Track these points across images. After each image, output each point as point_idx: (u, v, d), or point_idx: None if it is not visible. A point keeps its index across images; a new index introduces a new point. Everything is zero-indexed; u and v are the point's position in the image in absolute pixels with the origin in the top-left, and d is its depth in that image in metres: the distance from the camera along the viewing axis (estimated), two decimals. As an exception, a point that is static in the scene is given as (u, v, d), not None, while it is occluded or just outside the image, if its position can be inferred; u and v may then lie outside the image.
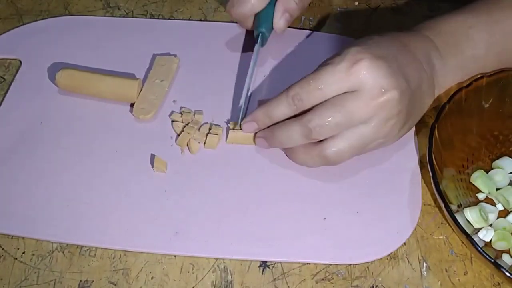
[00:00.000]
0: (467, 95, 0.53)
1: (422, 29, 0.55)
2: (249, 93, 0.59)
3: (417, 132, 0.58)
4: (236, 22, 0.64)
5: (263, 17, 0.60)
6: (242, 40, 0.65)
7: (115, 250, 0.50)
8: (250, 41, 0.64)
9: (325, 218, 0.51)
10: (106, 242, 0.50)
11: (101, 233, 0.50)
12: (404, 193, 0.53)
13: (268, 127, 0.53)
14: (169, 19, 0.67)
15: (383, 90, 0.47)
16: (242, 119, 0.55)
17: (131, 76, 0.61)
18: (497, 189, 0.53)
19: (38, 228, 0.50)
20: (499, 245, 0.50)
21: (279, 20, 0.60)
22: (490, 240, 0.50)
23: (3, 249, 0.50)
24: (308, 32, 0.66)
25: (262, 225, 0.51)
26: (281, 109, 0.51)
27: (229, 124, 0.57)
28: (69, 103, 0.59)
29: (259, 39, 0.60)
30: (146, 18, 0.68)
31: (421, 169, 0.55)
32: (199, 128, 0.57)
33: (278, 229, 0.51)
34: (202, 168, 0.54)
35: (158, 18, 0.68)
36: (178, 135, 0.56)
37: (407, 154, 0.56)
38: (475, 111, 0.55)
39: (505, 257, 0.50)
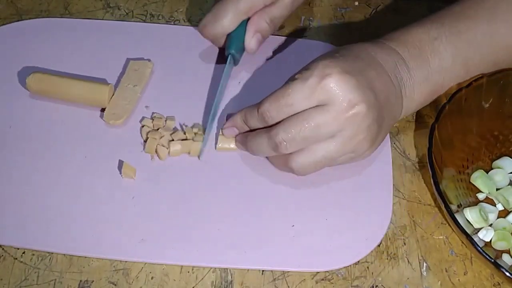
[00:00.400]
0: (467, 95, 0.53)
1: (389, 40, 0.54)
2: (217, 112, 0.58)
3: (416, 132, 0.58)
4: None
5: (234, 38, 0.59)
6: (217, 47, 0.64)
7: (79, 256, 0.49)
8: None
9: (293, 225, 0.51)
10: (70, 249, 0.49)
11: (66, 239, 0.50)
12: (374, 200, 0.53)
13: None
14: (169, 19, 0.67)
15: (351, 104, 0.47)
16: (207, 133, 0.56)
17: (103, 81, 0.60)
18: (497, 189, 0.53)
19: (3, 234, 0.50)
20: (499, 245, 0.50)
21: (250, 41, 0.60)
22: (490, 240, 0.50)
23: (3, 249, 0.50)
24: (291, 39, 0.65)
25: (229, 232, 0.51)
26: (254, 121, 0.52)
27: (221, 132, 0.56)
28: (40, 107, 0.58)
29: (228, 60, 0.60)
30: (145, 18, 0.68)
31: (421, 169, 0.55)
32: (171, 134, 0.56)
33: (245, 236, 0.50)
34: (171, 175, 0.54)
35: (158, 18, 0.68)
36: (145, 141, 0.55)
37: (379, 162, 0.55)
38: (475, 111, 0.55)
39: (505, 257, 0.50)
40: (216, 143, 0.56)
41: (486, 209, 0.52)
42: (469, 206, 0.52)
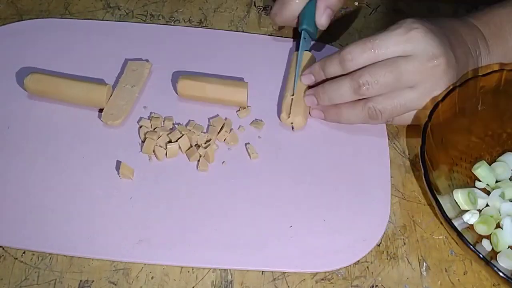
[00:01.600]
0: (461, 94, 0.54)
1: (472, 17, 0.58)
2: (295, 88, 0.58)
3: (409, 132, 0.58)
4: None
5: (306, 14, 0.61)
6: (215, 46, 0.64)
7: (78, 257, 0.49)
8: (222, 50, 0.64)
9: (291, 226, 0.51)
10: (68, 249, 0.49)
11: (64, 239, 0.50)
12: (372, 201, 0.53)
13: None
14: (169, 19, 0.67)
15: (433, 57, 0.51)
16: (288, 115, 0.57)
17: (101, 82, 0.60)
18: (496, 181, 0.54)
19: (1, 234, 0.50)
20: (480, 229, 0.51)
21: (322, 17, 0.61)
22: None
23: (3, 249, 0.50)
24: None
25: (227, 232, 0.51)
26: (333, 65, 0.54)
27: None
28: (38, 108, 0.58)
29: (302, 36, 0.61)
30: (145, 18, 0.68)
31: (420, 169, 0.55)
32: (169, 135, 0.56)
33: (243, 236, 0.50)
34: (169, 176, 0.54)
35: (158, 18, 0.68)
36: (143, 142, 0.56)
37: (377, 163, 0.56)
38: (469, 110, 0.55)
39: (485, 242, 0.50)
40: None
41: (476, 194, 0.52)
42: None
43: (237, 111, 0.58)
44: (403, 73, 0.51)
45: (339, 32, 0.67)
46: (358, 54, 0.52)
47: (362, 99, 0.54)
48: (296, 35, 0.65)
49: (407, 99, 0.53)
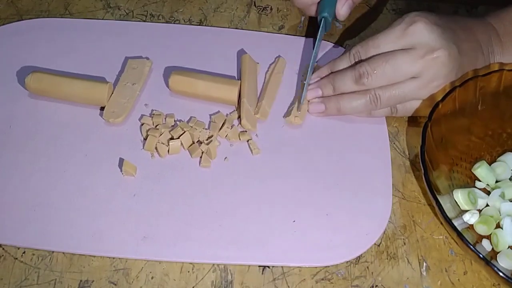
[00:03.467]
0: (461, 94, 0.54)
1: (488, 16, 0.58)
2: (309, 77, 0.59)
3: (409, 132, 0.58)
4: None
5: (326, 3, 0.61)
6: (216, 44, 0.64)
7: (79, 256, 0.49)
8: (223, 48, 0.64)
9: (294, 221, 0.51)
10: (72, 247, 0.49)
11: (68, 237, 0.50)
12: (374, 196, 0.53)
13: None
14: (169, 19, 0.67)
15: (432, 49, 0.52)
16: (303, 99, 0.58)
17: (102, 80, 0.60)
18: (496, 181, 0.54)
19: (4, 233, 0.50)
20: (480, 229, 0.51)
21: (342, 7, 0.62)
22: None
23: (3, 249, 0.50)
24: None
25: (231, 228, 0.51)
26: (343, 64, 0.57)
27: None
28: (39, 106, 0.58)
29: (321, 24, 0.61)
30: (145, 18, 0.68)
31: (420, 169, 0.55)
32: (170, 131, 0.56)
33: (247, 232, 0.51)
34: (172, 172, 0.54)
35: (158, 18, 0.68)
36: (145, 139, 0.56)
37: (379, 158, 0.56)
38: (469, 110, 0.55)
39: (485, 242, 0.50)
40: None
41: (476, 193, 0.52)
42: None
43: (230, 113, 0.59)
44: (401, 64, 0.52)
45: (339, 32, 0.67)
46: (364, 53, 0.55)
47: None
48: (311, 24, 0.66)
49: (407, 89, 0.53)
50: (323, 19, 0.61)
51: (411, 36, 0.53)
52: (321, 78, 0.59)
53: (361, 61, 0.55)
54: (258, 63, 0.62)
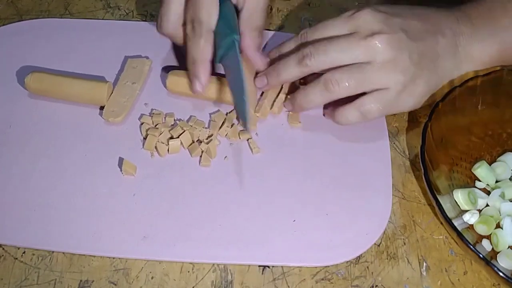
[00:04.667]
0: (461, 94, 0.54)
1: (461, 5, 0.57)
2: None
3: (409, 132, 0.58)
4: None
5: (225, 24, 0.55)
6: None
7: (79, 256, 0.49)
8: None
9: (294, 220, 0.51)
10: (72, 247, 0.49)
11: (68, 237, 0.50)
12: (374, 195, 0.53)
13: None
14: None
15: (373, 32, 0.52)
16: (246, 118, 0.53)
17: (102, 79, 0.60)
18: (496, 181, 0.54)
19: (4, 233, 0.50)
20: (480, 229, 0.51)
21: (259, 61, 0.57)
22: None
23: (3, 249, 0.50)
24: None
25: (231, 227, 0.51)
26: (290, 45, 0.56)
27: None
28: (39, 106, 0.58)
29: (237, 46, 0.55)
30: (145, 18, 0.68)
31: (420, 169, 0.55)
32: (170, 131, 0.56)
33: (247, 231, 0.51)
34: (172, 172, 0.54)
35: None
36: (145, 138, 0.56)
37: (379, 158, 0.56)
38: (469, 110, 0.55)
39: (485, 242, 0.50)
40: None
41: (476, 193, 0.52)
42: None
43: (230, 111, 0.58)
44: (343, 45, 0.52)
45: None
46: (310, 35, 0.54)
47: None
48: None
49: (363, 71, 0.52)
50: (235, 41, 0.55)
51: (355, 20, 0.53)
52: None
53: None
54: None
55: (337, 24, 0.54)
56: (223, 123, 0.57)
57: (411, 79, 0.52)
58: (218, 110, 0.58)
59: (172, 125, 0.57)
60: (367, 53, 0.52)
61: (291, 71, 0.54)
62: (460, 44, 0.55)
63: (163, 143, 0.55)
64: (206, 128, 0.57)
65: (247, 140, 0.56)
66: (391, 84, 0.52)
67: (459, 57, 0.55)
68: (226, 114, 0.58)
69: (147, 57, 0.62)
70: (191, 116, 0.58)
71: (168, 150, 0.55)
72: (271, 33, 0.66)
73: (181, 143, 0.55)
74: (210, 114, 0.58)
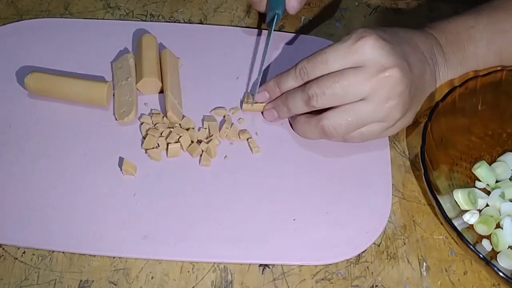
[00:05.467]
0: (461, 94, 0.54)
1: (429, 27, 0.57)
2: (261, 72, 0.60)
3: (409, 132, 0.58)
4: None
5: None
6: (214, 42, 0.64)
7: (79, 256, 0.49)
8: (223, 46, 0.64)
9: (294, 219, 0.51)
10: (72, 247, 0.49)
11: (68, 237, 0.50)
12: (374, 194, 0.53)
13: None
14: (169, 19, 0.67)
15: (384, 67, 0.49)
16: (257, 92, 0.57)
17: (102, 79, 0.60)
18: (496, 181, 0.54)
19: (4, 233, 0.50)
20: (480, 229, 0.51)
21: (291, 1, 0.60)
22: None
23: (3, 249, 0.50)
24: (293, 35, 0.66)
25: (231, 227, 0.51)
26: (289, 81, 0.54)
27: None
28: (38, 106, 0.58)
29: (275, 20, 0.60)
30: (145, 18, 0.68)
31: (420, 169, 0.55)
32: (166, 138, 0.55)
33: (247, 230, 0.51)
34: (172, 171, 0.54)
35: (158, 18, 0.68)
36: (144, 138, 0.56)
37: (379, 158, 0.56)
38: (469, 110, 0.55)
39: (485, 242, 0.50)
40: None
41: (476, 193, 0.53)
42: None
43: (230, 109, 0.59)
44: (351, 84, 0.49)
45: (339, 32, 0.67)
46: (311, 68, 0.52)
47: (316, 115, 0.53)
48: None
49: (361, 112, 0.50)
50: (275, 15, 0.60)
51: (360, 52, 0.49)
52: (274, 99, 0.56)
53: (309, 81, 0.52)
54: (179, 58, 0.62)
55: (339, 58, 0.50)
56: (223, 123, 0.57)
57: (405, 113, 0.52)
58: (216, 108, 0.59)
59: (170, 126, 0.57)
60: (375, 90, 0.49)
61: (300, 108, 0.53)
62: (438, 72, 0.56)
63: (157, 146, 0.55)
64: (202, 127, 0.57)
65: (247, 139, 0.56)
66: (387, 119, 0.52)
67: (436, 81, 0.56)
68: (224, 116, 0.58)
69: (128, 52, 0.62)
70: (183, 116, 0.57)
71: (167, 154, 0.55)
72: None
73: (181, 145, 0.55)
74: (205, 116, 0.58)
